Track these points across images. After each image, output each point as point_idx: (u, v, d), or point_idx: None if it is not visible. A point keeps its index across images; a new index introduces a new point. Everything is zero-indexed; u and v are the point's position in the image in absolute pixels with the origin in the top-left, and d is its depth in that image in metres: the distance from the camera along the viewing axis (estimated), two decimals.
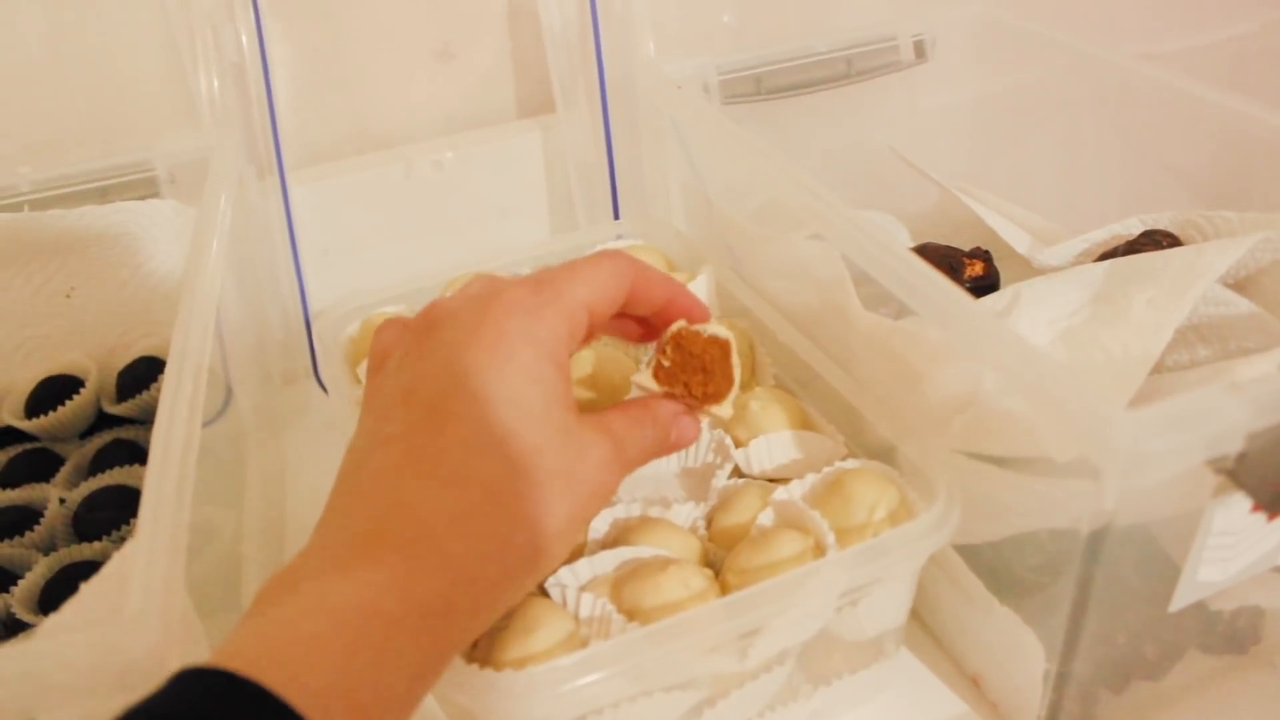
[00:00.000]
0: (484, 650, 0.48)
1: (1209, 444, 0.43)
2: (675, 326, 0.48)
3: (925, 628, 0.63)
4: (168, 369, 0.51)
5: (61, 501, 0.64)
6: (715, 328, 0.49)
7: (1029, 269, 0.72)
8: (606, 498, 0.44)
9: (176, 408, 0.49)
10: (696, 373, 0.48)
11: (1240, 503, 0.47)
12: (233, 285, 0.76)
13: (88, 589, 0.40)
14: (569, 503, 0.40)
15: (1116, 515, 0.46)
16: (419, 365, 0.41)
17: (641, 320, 0.50)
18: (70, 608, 0.39)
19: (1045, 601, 0.52)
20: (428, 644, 0.36)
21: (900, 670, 0.60)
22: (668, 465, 0.61)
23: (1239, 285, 0.64)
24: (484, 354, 0.40)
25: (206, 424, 0.65)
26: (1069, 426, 0.45)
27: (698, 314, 0.49)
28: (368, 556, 0.36)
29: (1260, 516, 0.48)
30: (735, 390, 0.49)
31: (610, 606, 0.49)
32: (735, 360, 0.49)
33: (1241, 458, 0.43)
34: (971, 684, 0.60)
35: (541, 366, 0.40)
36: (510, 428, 0.39)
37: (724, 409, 0.49)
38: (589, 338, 0.46)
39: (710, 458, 0.60)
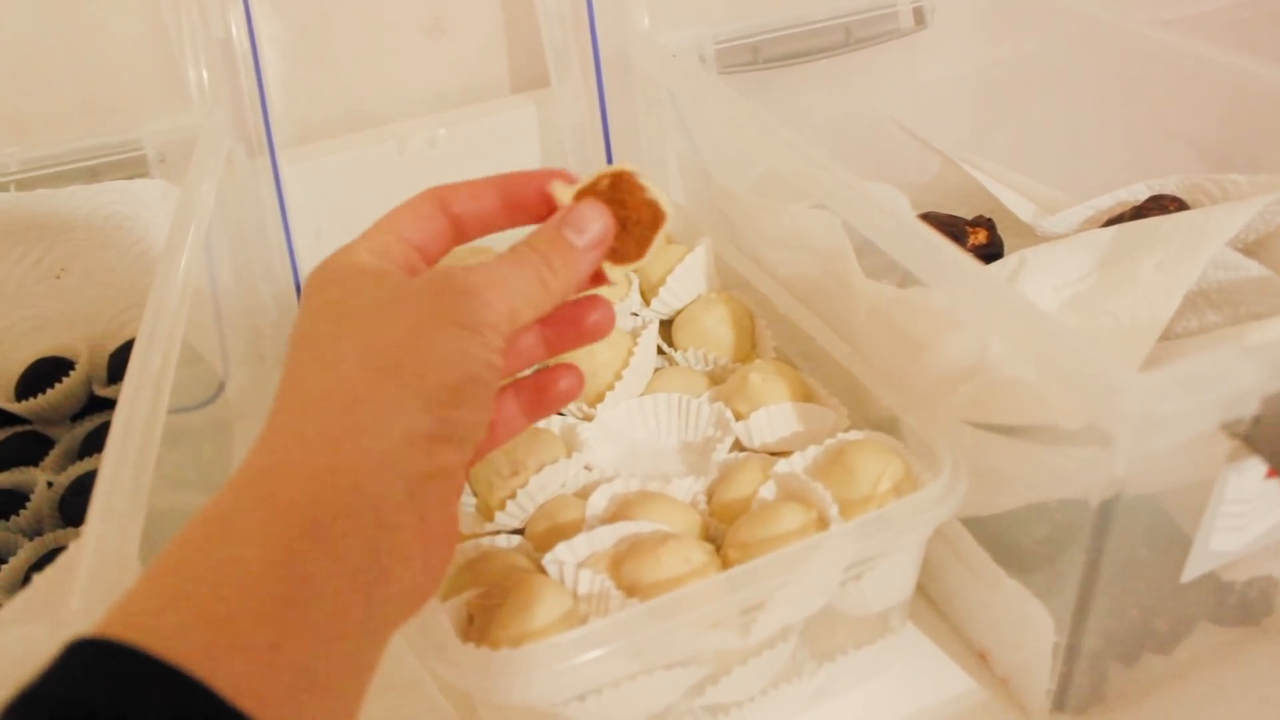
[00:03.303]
0: (480, 628, 0.47)
1: (1223, 407, 0.42)
2: (621, 167, 0.43)
3: (932, 603, 0.61)
4: (134, 352, 0.50)
5: (49, 485, 0.63)
6: (659, 193, 0.44)
7: (1033, 237, 0.71)
8: (452, 316, 0.37)
9: (140, 392, 0.47)
10: (617, 220, 0.43)
11: (1255, 469, 0.46)
12: (226, 267, 0.75)
13: (39, 580, 0.38)
14: (358, 352, 0.36)
15: (1128, 483, 0.45)
16: None
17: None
18: (19, 600, 0.38)
19: (1054, 574, 0.51)
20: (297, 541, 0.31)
21: (906, 646, 0.59)
22: (668, 440, 0.60)
23: (1249, 249, 0.63)
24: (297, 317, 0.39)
25: (193, 409, 0.64)
26: (1079, 392, 0.44)
27: (540, 198, 0.43)
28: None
29: (1275, 483, 0.47)
30: (637, 264, 0.44)
31: (609, 582, 0.48)
32: (659, 239, 0.44)
33: (1257, 421, 0.42)
34: (979, 659, 0.59)
35: (341, 280, 0.39)
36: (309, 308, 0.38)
37: (615, 273, 0.43)
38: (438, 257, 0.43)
39: (710, 431, 0.59)
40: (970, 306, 0.50)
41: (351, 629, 0.31)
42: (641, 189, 0.43)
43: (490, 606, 0.47)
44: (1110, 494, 0.45)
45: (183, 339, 0.65)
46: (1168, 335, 0.61)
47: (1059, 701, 0.54)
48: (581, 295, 0.45)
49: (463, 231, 0.43)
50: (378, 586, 0.32)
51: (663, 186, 0.44)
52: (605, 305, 0.45)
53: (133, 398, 0.48)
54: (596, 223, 0.42)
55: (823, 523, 0.50)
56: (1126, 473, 0.44)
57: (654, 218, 0.43)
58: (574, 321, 0.45)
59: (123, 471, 0.44)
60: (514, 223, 0.44)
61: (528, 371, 0.47)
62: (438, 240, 0.42)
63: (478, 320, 0.37)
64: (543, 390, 0.46)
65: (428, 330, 0.36)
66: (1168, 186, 0.68)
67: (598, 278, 0.44)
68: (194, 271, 0.57)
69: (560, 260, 0.41)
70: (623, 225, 0.43)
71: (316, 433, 0.34)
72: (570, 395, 0.46)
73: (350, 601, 0.31)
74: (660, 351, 0.65)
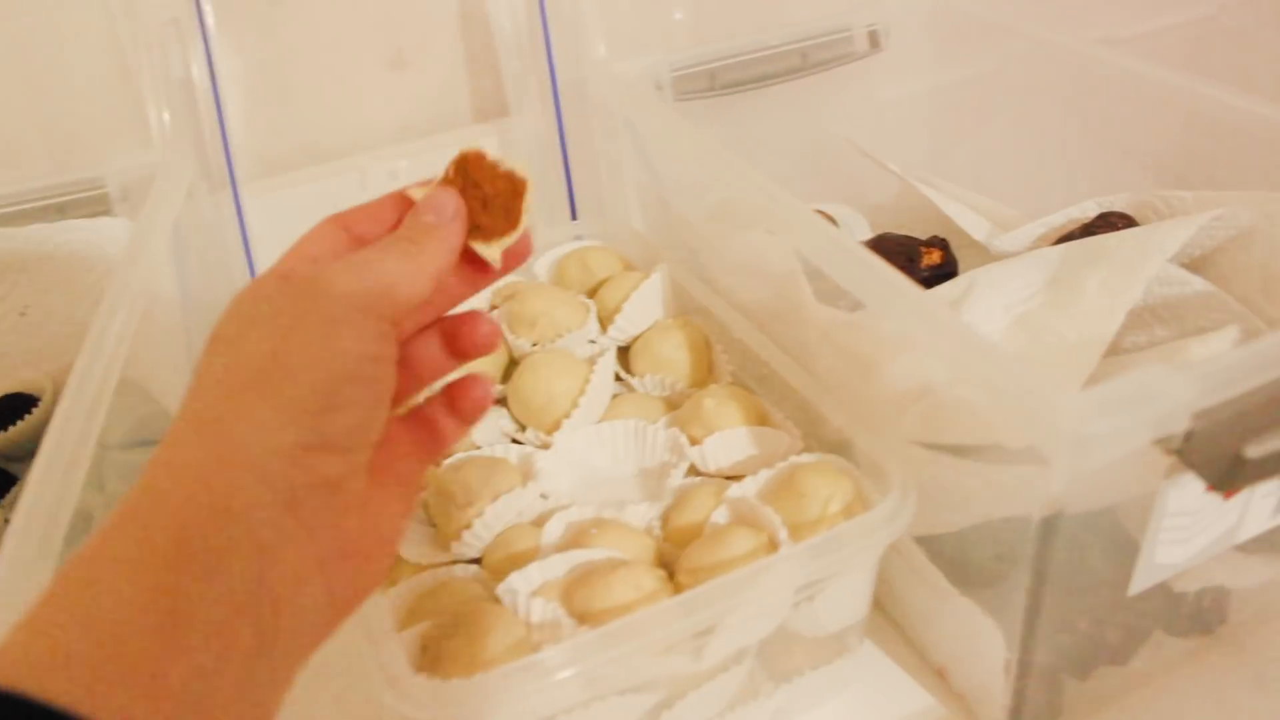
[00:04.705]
0: (433, 659, 0.47)
1: (1155, 424, 0.42)
2: (463, 150, 0.43)
3: (891, 620, 0.62)
4: (66, 390, 0.50)
5: (6, 522, 0.63)
6: (515, 164, 0.43)
7: (988, 256, 0.72)
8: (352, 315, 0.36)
9: (63, 438, 0.48)
10: (475, 200, 0.42)
11: (1193, 483, 0.46)
12: (195, 304, 0.76)
13: None
14: (224, 364, 0.35)
15: (1066, 501, 0.45)
16: None
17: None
18: None
19: (1004, 590, 0.51)
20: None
21: (865, 665, 0.59)
22: (625, 466, 0.61)
23: (1195, 264, 0.64)
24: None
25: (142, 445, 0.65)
26: (1013, 413, 0.45)
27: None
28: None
29: (1214, 496, 0.48)
30: (514, 236, 0.43)
31: (560, 610, 0.48)
32: (527, 205, 0.43)
33: (1189, 437, 0.43)
34: (937, 676, 0.59)
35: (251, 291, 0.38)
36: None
37: (491, 250, 0.43)
38: None
39: (667, 457, 0.59)
40: (909, 330, 0.51)
41: (240, 654, 0.30)
42: (493, 165, 0.43)
43: (443, 637, 0.48)
44: (1051, 511, 0.46)
45: (147, 373, 0.67)
46: (1118, 350, 0.62)
47: (1015, 717, 0.55)
48: (465, 313, 0.45)
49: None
50: (268, 610, 0.32)
51: (525, 163, 0.43)
52: (489, 321, 0.45)
53: (55, 444, 0.48)
54: (446, 200, 0.41)
55: (773, 546, 0.50)
56: (1063, 491, 0.44)
57: (514, 188, 0.43)
58: (460, 338, 0.44)
59: (35, 520, 0.44)
60: None
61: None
62: (329, 244, 0.41)
63: (343, 310, 0.36)
64: (459, 336, 0.44)
65: (292, 333, 0.35)
66: (1117, 204, 0.69)
67: (480, 268, 0.44)
68: (136, 309, 0.58)
69: (423, 236, 0.40)
70: (484, 203, 0.43)
71: (184, 459, 0.33)
72: (491, 342, 0.44)
73: (236, 626, 0.31)
74: (618, 378, 0.66)
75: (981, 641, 0.53)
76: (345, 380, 0.35)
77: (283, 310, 0.36)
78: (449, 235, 0.41)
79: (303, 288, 0.37)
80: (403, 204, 0.42)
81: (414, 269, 0.39)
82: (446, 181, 0.43)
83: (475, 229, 0.42)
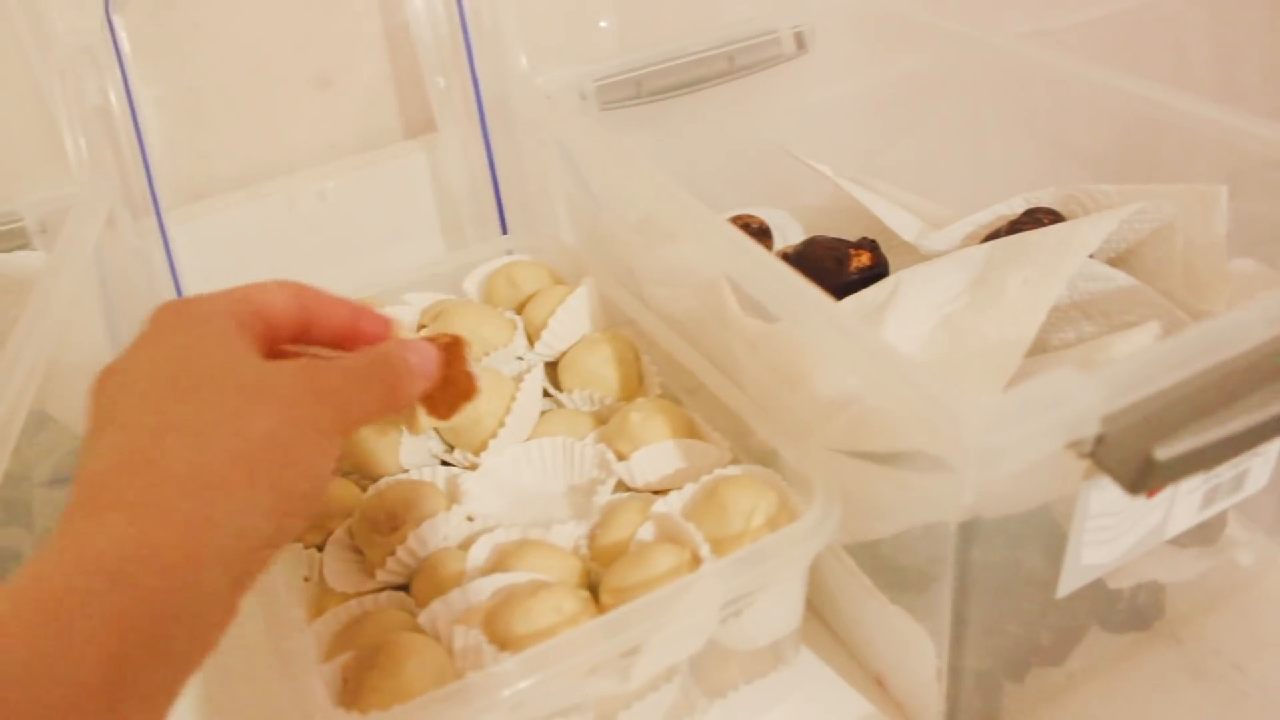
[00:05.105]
0: (353, 691, 0.47)
1: (1065, 430, 0.42)
2: (457, 335, 0.51)
3: (829, 630, 0.62)
4: None
5: None
6: (482, 373, 0.52)
7: (919, 256, 0.72)
8: (307, 422, 0.39)
9: None
10: (441, 373, 0.49)
11: (1112, 485, 0.46)
12: (126, 335, 0.75)
13: None
14: (229, 437, 0.36)
15: (981, 507, 0.45)
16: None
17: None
18: None
19: (931, 597, 0.51)
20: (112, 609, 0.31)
21: (803, 675, 0.59)
22: (554, 484, 0.60)
23: (1120, 258, 0.64)
24: (135, 347, 0.39)
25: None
26: (921, 424, 0.44)
27: (385, 333, 0.48)
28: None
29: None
30: (443, 423, 0.50)
31: (481, 637, 0.47)
32: (464, 408, 0.51)
33: (1100, 440, 0.43)
34: (876, 684, 0.59)
35: (192, 332, 0.40)
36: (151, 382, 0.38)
37: (423, 420, 0.50)
38: (279, 345, 0.44)
39: (595, 473, 0.59)
40: (821, 342, 0.51)
41: (163, 709, 0.33)
42: (466, 359, 0.50)
43: (363, 668, 0.47)
44: (968, 517, 0.46)
45: (69, 407, 0.65)
46: (1046, 348, 0.62)
47: None
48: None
49: (306, 334, 0.45)
50: (185, 672, 0.34)
51: (479, 368, 0.52)
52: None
53: None
54: (428, 356, 0.48)
55: (696, 562, 0.50)
56: (975, 499, 0.44)
57: (467, 389, 0.50)
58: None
59: None
60: (347, 347, 0.47)
61: None
62: (288, 331, 0.44)
63: (338, 428, 0.40)
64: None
65: (296, 431, 0.38)
66: (1043, 199, 0.69)
67: (423, 399, 0.50)
68: (48, 341, 0.57)
69: (402, 379, 0.45)
70: (443, 382, 0.49)
71: (183, 517, 0.34)
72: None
73: (168, 689, 0.33)
74: (547, 394, 0.65)
75: (913, 649, 0.53)
76: (316, 494, 0.39)
77: (289, 401, 0.38)
78: (415, 387, 0.47)
79: (311, 383, 0.39)
80: (356, 315, 0.47)
81: (381, 408, 0.44)
82: (434, 340, 0.49)
83: (426, 397, 0.49)
